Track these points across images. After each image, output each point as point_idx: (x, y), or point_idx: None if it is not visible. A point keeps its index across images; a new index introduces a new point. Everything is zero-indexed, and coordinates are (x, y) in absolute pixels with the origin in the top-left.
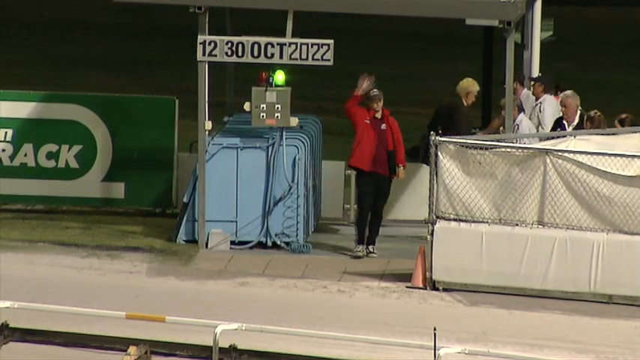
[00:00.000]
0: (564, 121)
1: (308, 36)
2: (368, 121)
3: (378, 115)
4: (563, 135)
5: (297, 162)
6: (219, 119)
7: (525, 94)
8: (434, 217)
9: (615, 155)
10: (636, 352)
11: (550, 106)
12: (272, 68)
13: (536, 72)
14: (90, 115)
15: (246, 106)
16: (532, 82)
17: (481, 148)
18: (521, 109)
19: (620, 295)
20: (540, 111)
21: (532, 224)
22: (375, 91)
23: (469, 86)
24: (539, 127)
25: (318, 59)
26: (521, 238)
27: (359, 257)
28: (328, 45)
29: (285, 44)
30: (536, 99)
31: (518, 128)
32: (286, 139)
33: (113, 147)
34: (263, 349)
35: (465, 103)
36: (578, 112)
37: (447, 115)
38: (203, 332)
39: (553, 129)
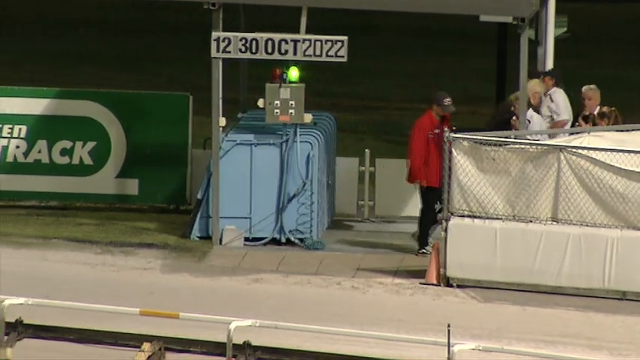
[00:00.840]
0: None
1: (322, 32)
2: (432, 135)
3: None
4: (577, 131)
5: (311, 158)
6: (233, 116)
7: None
8: (448, 213)
9: (629, 152)
10: None
11: (561, 96)
12: (286, 65)
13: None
14: (104, 112)
15: (260, 103)
16: (542, 76)
17: (495, 145)
18: (530, 105)
19: (633, 291)
20: (552, 101)
21: (546, 221)
22: (449, 100)
23: (533, 87)
24: (553, 116)
25: (332, 56)
26: (535, 235)
27: (425, 254)
28: (342, 41)
29: (299, 41)
30: (546, 91)
31: (529, 124)
32: (300, 135)
33: (127, 143)
34: (277, 346)
35: (533, 103)
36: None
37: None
38: (217, 329)
39: (573, 124)
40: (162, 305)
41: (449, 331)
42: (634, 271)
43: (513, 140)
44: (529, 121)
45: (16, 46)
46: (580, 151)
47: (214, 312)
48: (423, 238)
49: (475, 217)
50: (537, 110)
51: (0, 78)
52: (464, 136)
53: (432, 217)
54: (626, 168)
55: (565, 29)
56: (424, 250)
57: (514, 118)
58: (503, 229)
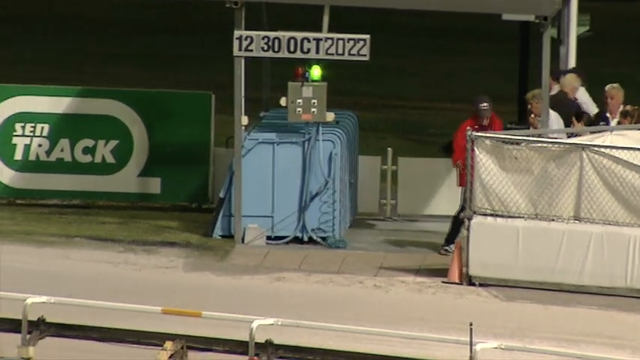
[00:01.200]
0: (607, 114)
1: (343, 31)
2: None
3: (485, 123)
4: (599, 130)
5: (334, 157)
6: (255, 114)
7: (557, 89)
8: (470, 212)
9: None
10: None
11: (584, 94)
12: (308, 63)
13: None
14: (126, 111)
15: (283, 101)
16: (563, 75)
17: (517, 143)
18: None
19: None
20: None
21: (568, 219)
22: (485, 105)
23: (572, 81)
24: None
25: (355, 54)
26: (558, 234)
27: (448, 253)
28: (364, 40)
29: (322, 39)
30: None
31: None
32: (322, 134)
33: (149, 142)
34: (299, 344)
35: (572, 96)
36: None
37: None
38: (239, 327)
39: (596, 122)
40: (185, 304)
41: (471, 329)
42: None
43: (535, 139)
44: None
45: (41, 45)
46: (602, 149)
47: (236, 310)
48: (452, 236)
49: (497, 215)
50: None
51: (23, 77)
52: (486, 134)
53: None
54: None
55: (587, 28)
56: (447, 248)
57: (532, 116)
58: (526, 228)
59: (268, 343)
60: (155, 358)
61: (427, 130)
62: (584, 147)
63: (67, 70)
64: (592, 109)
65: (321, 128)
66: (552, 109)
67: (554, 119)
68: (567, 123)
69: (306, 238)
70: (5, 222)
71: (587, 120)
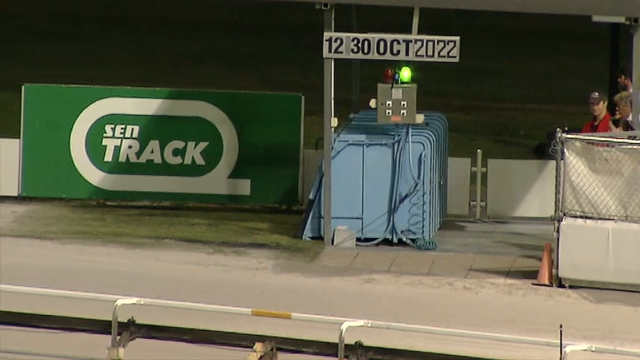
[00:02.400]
0: None
1: (431, 33)
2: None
3: (596, 122)
4: None
5: (423, 159)
6: (344, 116)
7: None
8: (560, 214)
9: None
10: None
11: None
12: (398, 65)
13: None
14: (216, 112)
15: (372, 103)
16: None
17: (607, 145)
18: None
19: None
20: None
21: None
22: (595, 95)
23: None
24: None
25: (444, 56)
26: None
27: None
28: (454, 42)
29: (411, 41)
30: None
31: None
32: (412, 135)
33: (239, 144)
34: (389, 346)
35: None
36: None
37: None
38: (329, 329)
39: None
40: (274, 305)
41: (561, 331)
42: None
43: (626, 141)
44: (631, 122)
45: (130, 46)
46: None
47: (326, 312)
48: None
49: (587, 217)
50: None
51: (113, 78)
52: (576, 136)
53: None
54: None
55: None
56: None
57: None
58: (616, 230)
59: (358, 345)
60: (245, 359)
61: (518, 131)
62: None
63: (155, 72)
64: None
65: (410, 130)
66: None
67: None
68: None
69: (395, 240)
70: (95, 223)
71: None
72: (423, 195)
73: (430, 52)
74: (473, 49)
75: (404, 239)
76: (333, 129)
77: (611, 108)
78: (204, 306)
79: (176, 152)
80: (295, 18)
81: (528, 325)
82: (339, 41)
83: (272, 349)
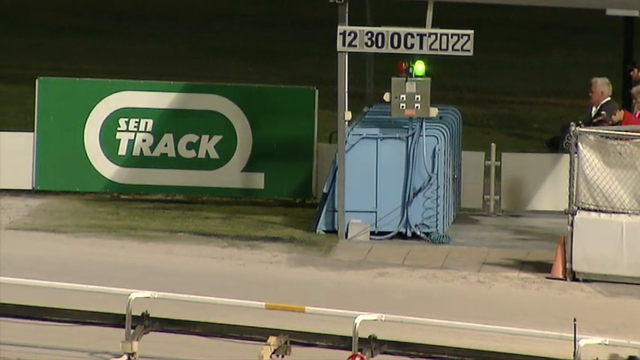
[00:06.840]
0: None
1: (445, 26)
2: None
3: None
4: None
5: (437, 153)
6: (358, 109)
7: None
8: (574, 207)
9: None
10: None
11: None
12: (412, 59)
13: None
14: (230, 106)
15: (386, 97)
16: None
17: (621, 139)
18: None
19: None
20: None
21: None
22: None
23: None
24: None
25: (458, 50)
26: None
27: None
28: (468, 35)
29: (425, 35)
30: None
31: None
32: (426, 129)
33: (253, 137)
34: (403, 340)
35: None
36: None
37: None
38: (342, 322)
39: None
40: (288, 299)
41: (575, 325)
42: None
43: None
44: None
45: (151, 39)
46: None
47: (340, 306)
48: None
49: (601, 211)
50: None
51: (127, 72)
52: (590, 130)
53: None
54: None
55: None
56: None
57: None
58: (630, 224)
59: (372, 339)
60: (259, 353)
61: (531, 125)
62: None
63: (170, 65)
64: None
65: (424, 124)
66: None
67: None
68: None
69: (409, 234)
70: (109, 217)
71: None
72: (437, 189)
73: (444, 46)
74: (487, 43)
75: (418, 233)
76: (347, 122)
77: (627, 101)
78: (218, 300)
79: (190, 146)
80: (310, 11)
81: (542, 318)
82: (353, 35)
83: (286, 343)
